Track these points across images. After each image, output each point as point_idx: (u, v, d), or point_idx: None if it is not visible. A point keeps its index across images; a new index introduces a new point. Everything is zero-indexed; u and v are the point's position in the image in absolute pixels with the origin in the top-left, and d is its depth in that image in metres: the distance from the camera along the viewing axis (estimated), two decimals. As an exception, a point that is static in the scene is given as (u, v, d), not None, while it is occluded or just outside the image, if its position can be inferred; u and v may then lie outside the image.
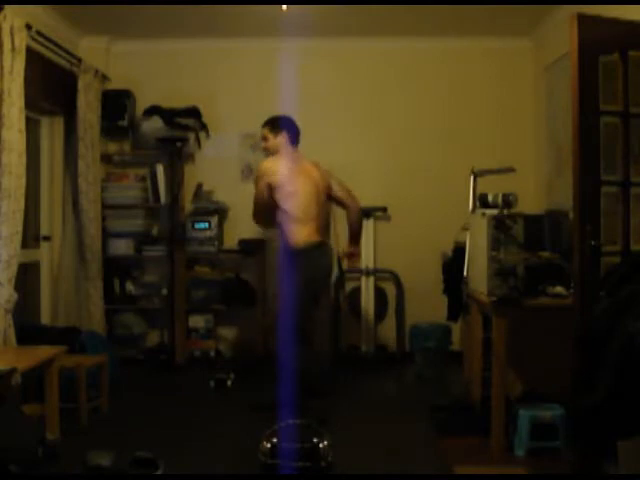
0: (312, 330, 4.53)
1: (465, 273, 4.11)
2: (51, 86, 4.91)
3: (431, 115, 5.83)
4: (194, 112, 5.72)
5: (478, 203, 3.96)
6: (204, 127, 5.80)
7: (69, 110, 5.16)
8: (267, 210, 4.36)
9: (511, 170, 4.28)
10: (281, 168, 4.30)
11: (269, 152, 4.49)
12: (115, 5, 4.80)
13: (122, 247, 5.65)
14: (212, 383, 4.93)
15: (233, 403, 4.55)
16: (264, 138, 4.51)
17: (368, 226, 5.72)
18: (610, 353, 2.27)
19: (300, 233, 4.22)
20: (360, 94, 5.86)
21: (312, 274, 4.24)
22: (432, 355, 5.27)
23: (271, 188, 4.27)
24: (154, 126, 5.61)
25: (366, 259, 5.73)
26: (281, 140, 4.42)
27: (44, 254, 5.21)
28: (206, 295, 5.70)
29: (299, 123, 4.50)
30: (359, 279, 5.76)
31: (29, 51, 4.17)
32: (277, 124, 4.46)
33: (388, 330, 5.81)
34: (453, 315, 5.03)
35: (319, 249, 4.29)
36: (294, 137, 4.46)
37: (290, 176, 4.27)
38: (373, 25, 5.44)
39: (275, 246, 5.18)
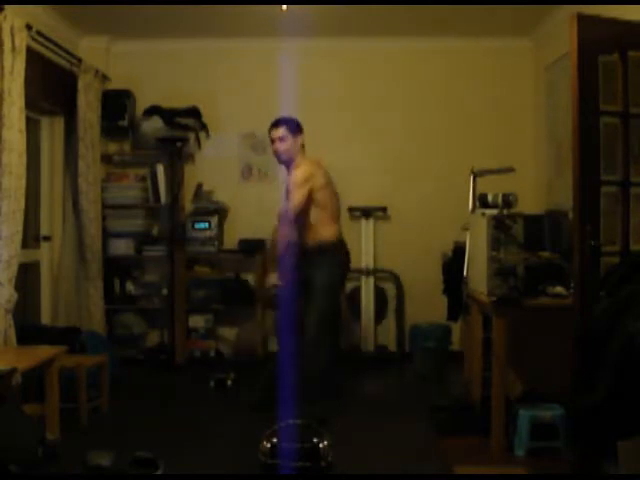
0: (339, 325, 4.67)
1: (465, 273, 4.11)
2: (51, 86, 4.91)
3: (431, 115, 5.83)
4: (194, 112, 5.72)
5: (478, 203, 3.96)
6: (204, 127, 5.80)
7: (69, 110, 5.16)
8: (301, 214, 4.15)
9: (511, 170, 4.28)
10: (317, 169, 4.19)
11: (283, 155, 4.23)
12: (115, 5, 4.80)
13: (122, 247, 5.65)
14: (212, 383, 4.93)
15: (233, 403, 4.56)
16: (281, 139, 4.20)
17: (368, 226, 5.73)
18: (610, 353, 2.27)
19: (336, 229, 4.27)
20: (360, 94, 5.86)
21: (345, 267, 4.45)
22: (432, 355, 5.27)
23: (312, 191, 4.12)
24: (154, 126, 5.62)
25: (366, 259, 5.74)
26: (300, 142, 4.23)
27: (44, 254, 5.20)
28: (206, 295, 5.70)
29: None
30: (359, 279, 5.76)
31: (29, 51, 4.17)
32: (297, 125, 4.24)
33: (388, 330, 5.81)
34: (453, 315, 5.04)
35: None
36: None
37: (326, 176, 4.22)
38: (373, 25, 5.44)
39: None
